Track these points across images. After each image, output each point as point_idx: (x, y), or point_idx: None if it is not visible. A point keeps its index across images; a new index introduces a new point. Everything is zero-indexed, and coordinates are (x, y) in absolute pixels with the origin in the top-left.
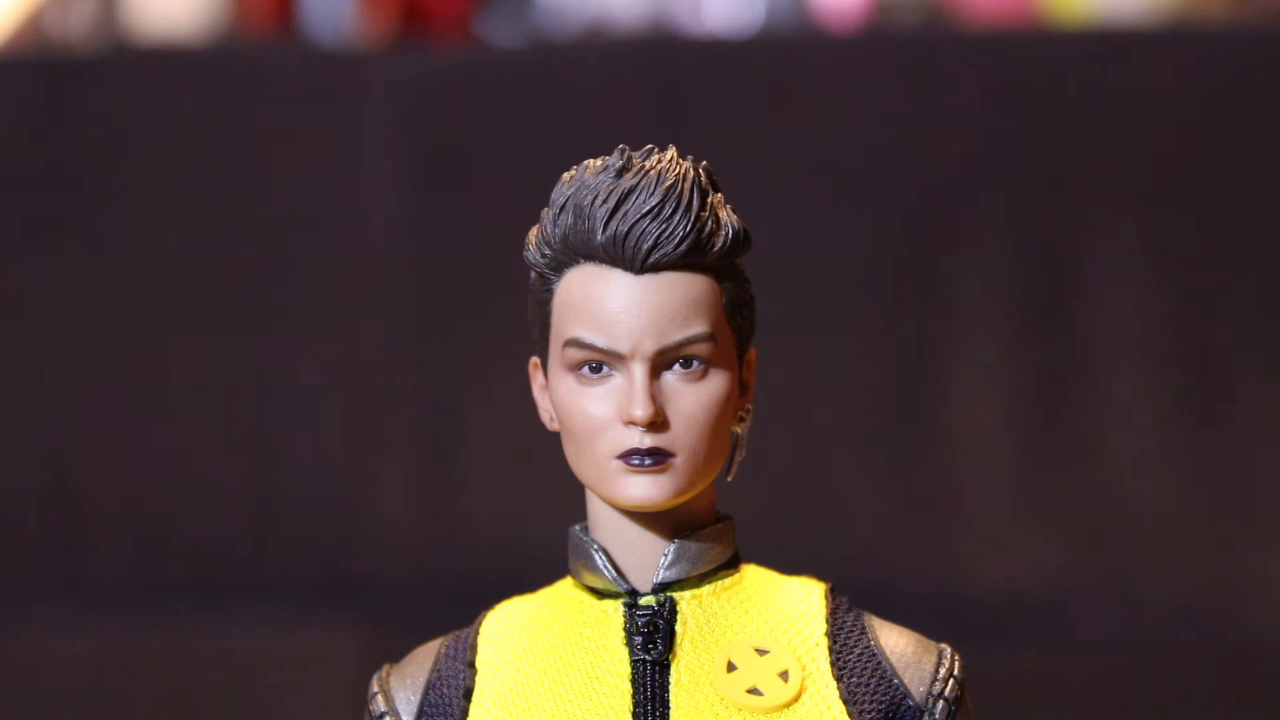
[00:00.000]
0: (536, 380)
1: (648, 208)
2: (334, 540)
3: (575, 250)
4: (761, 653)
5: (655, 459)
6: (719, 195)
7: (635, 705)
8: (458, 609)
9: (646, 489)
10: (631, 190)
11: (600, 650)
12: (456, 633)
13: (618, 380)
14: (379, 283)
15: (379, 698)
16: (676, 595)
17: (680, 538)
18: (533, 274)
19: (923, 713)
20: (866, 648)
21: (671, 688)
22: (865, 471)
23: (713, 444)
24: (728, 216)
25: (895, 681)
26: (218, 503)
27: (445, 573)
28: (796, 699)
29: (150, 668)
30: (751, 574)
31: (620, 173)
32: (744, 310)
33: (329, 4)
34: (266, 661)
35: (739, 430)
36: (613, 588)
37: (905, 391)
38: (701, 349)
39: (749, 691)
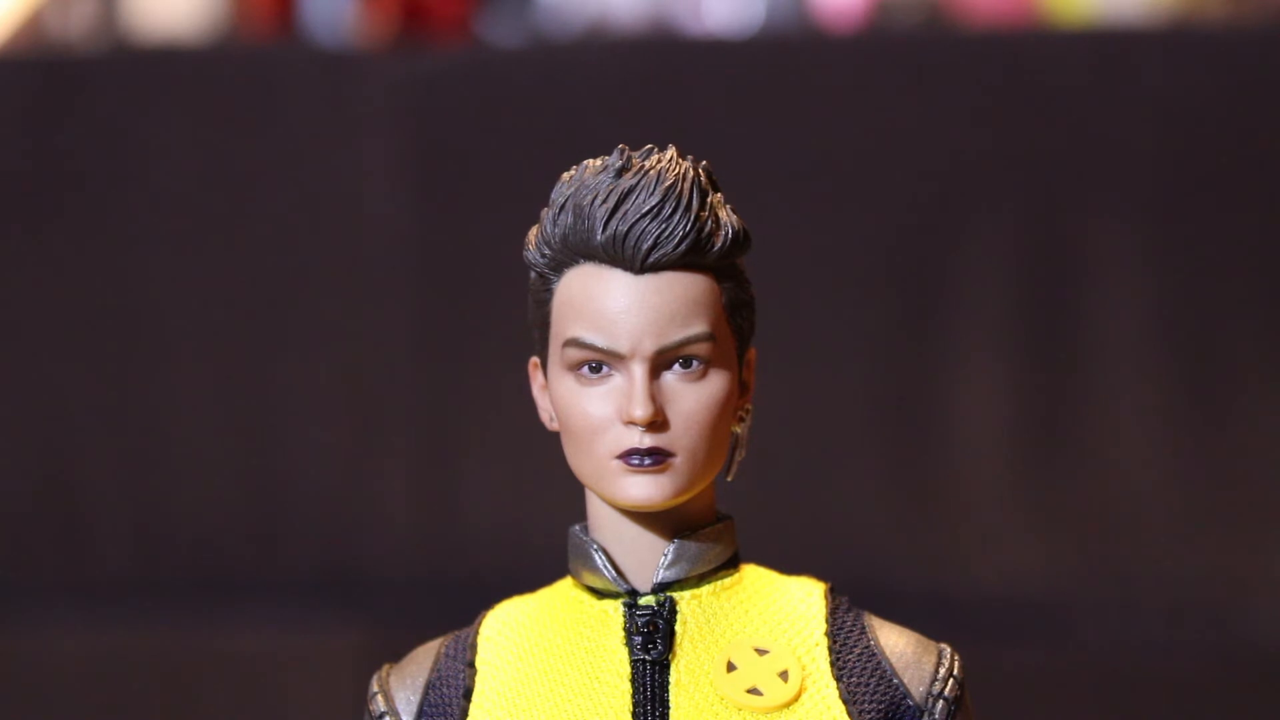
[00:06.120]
0: (536, 380)
1: (647, 208)
2: (334, 540)
3: (575, 250)
4: (761, 653)
5: (655, 459)
6: (719, 195)
7: (635, 705)
8: (458, 609)
9: (646, 489)
10: (631, 190)
11: (600, 650)
12: (456, 633)
13: (617, 380)
14: (379, 282)
15: (379, 698)
16: (676, 595)
17: (680, 538)
18: (532, 274)
19: (922, 712)
20: (866, 648)
21: (671, 688)
22: (865, 471)
23: (712, 444)
24: (727, 216)
25: (895, 681)
26: (218, 502)
27: (445, 572)
28: (796, 699)
29: (150, 668)
30: (751, 574)
31: (620, 173)
32: (744, 310)
33: (329, 4)
34: (266, 661)
35: (739, 430)
36: (612, 588)
37: (905, 391)
38: (701, 349)
39: (749, 691)
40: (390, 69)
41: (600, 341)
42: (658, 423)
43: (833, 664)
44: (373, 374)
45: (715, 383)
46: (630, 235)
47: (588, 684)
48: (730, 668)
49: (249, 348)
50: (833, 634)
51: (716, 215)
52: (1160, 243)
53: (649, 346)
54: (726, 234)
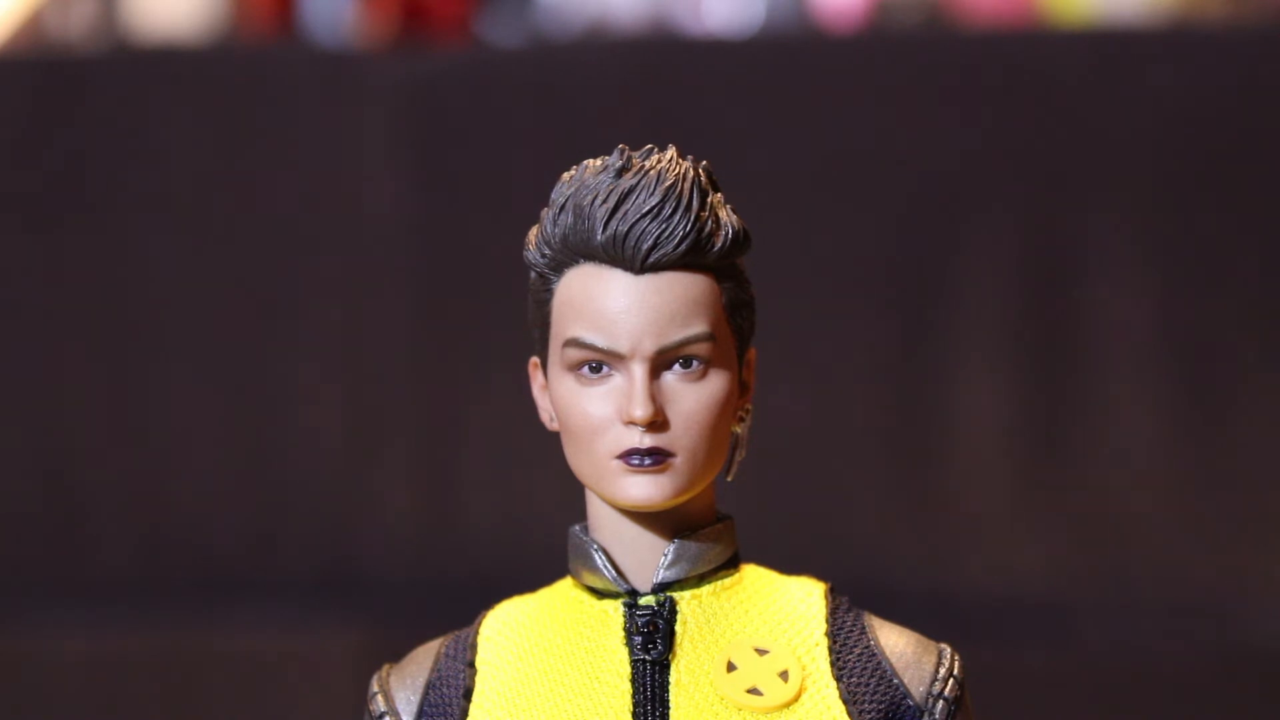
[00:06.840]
0: (536, 380)
1: (648, 208)
2: (334, 540)
3: (575, 250)
4: (761, 653)
5: (655, 459)
6: (719, 195)
7: (635, 705)
8: (458, 609)
9: (646, 489)
10: (631, 190)
11: (600, 650)
12: (456, 633)
13: (618, 380)
14: (379, 282)
15: (379, 698)
16: (676, 595)
17: (680, 538)
18: (532, 274)
19: (922, 712)
20: (866, 648)
21: (671, 688)
22: (865, 472)
23: (712, 444)
24: (727, 216)
25: (895, 681)
26: (218, 503)
27: (445, 572)
28: (796, 699)
29: (150, 668)
30: (751, 574)
31: (620, 173)
32: (744, 310)
33: (329, 4)
34: (266, 661)
35: (739, 430)
36: (613, 588)
37: (905, 391)
38: (701, 349)
39: (749, 691)
40: (390, 69)
41: (600, 341)
42: (658, 423)
43: (833, 664)
44: (373, 374)
45: (715, 383)
46: (630, 235)
47: (588, 684)
48: (730, 668)
49: (249, 347)
50: (833, 634)
51: (716, 215)
52: (1160, 243)
53: (649, 346)
54: (726, 234)
